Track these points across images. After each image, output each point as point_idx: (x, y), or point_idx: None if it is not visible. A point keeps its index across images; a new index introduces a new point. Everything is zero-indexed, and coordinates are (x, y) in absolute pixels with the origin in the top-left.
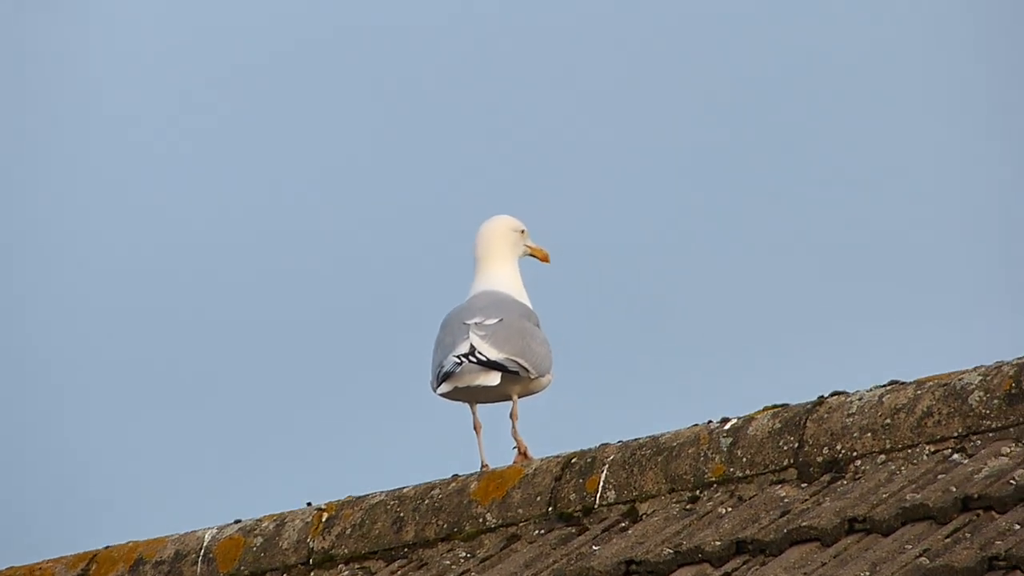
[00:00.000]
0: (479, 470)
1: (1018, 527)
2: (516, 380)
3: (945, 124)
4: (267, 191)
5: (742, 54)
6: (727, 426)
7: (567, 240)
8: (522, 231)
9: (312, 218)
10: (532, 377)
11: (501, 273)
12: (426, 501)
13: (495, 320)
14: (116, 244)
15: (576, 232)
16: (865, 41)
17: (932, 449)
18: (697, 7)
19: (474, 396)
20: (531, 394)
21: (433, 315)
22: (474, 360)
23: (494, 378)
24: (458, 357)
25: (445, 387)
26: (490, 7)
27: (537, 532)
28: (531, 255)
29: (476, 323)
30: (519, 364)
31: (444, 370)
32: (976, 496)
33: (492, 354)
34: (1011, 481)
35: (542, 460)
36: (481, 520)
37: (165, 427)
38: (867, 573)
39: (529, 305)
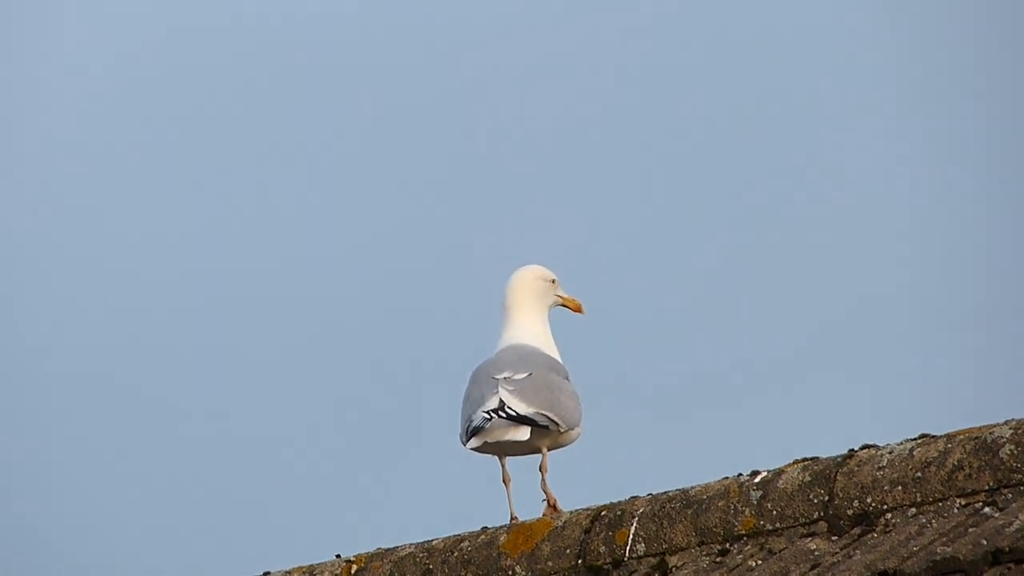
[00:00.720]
0: (508, 523)
1: None
2: (546, 434)
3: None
4: (277, 201)
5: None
6: (757, 479)
7: (593, 287)
8: (552, 280)
9: (332, 251)
10: (562, 431)
11: (530, 325)
12: (455, 553)
13: (524, 375)
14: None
15: (600, 278)
16: (863, 66)
17: (963, 502)
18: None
19: (503, 450)
20: (561, 447)
21: (461, 367)
22: (503, 415)
23: (523, 433)
24: (487, 412)
25: (474, 442)
26: (485, 22)
27: None
28: (563, 305)
29: (505, 377)
30: (548, 418)
31: (473, 424)
32: (1007, 549)
33: (521, 408)
34: None
35: (572, 513)
36: (510, 573)
37: (192, 479)
38: None
39: (558, 358)
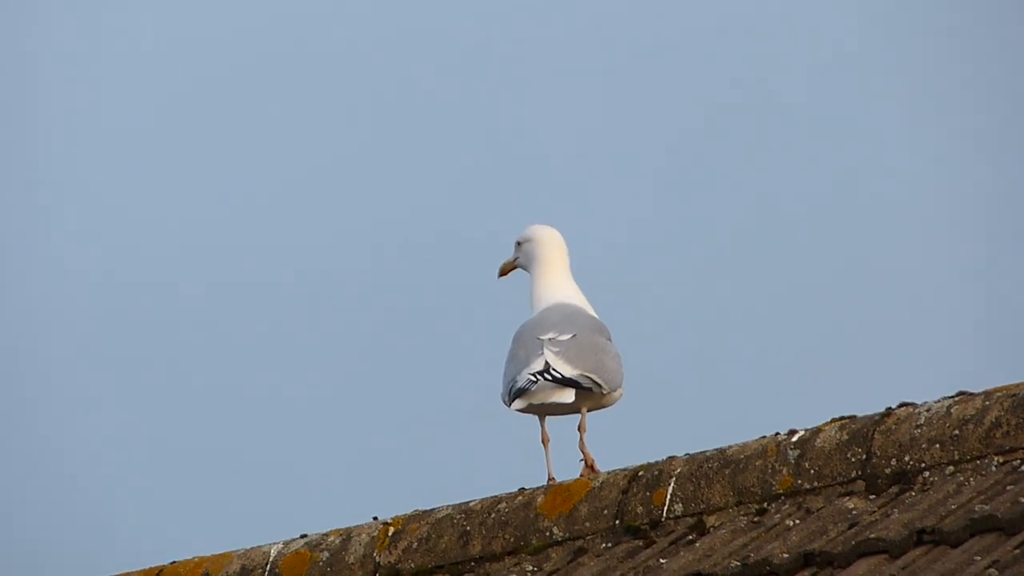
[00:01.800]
0: (546, 483)
1: None
2: (588, 395)
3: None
4: (280, 188)
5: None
6: (795, 438)
7: (625, 249)
8: None
9: (354, 223)
10: (605, 392)
11: (567, 283)
12: (492, 515)
13: (569, 336)
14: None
15: (633, 241)
16: (862, 59)
17: (1001, 460)
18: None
19: (545, 410)
20: (601, 408)
21: (501, 327)
22: (549, 377)
23: (568, 395)
24: (533, 375)
25: (519, 403)
26: (487, 12)
27: (604, 546)
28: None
29: (550, 338)
30: (593, 380)
31: (518, 386)
32: None
33: (567, 371)
34: None
35: (609, 473)
36: (548, 534)
37: (230, 442)
38: None
39: (597, 317)
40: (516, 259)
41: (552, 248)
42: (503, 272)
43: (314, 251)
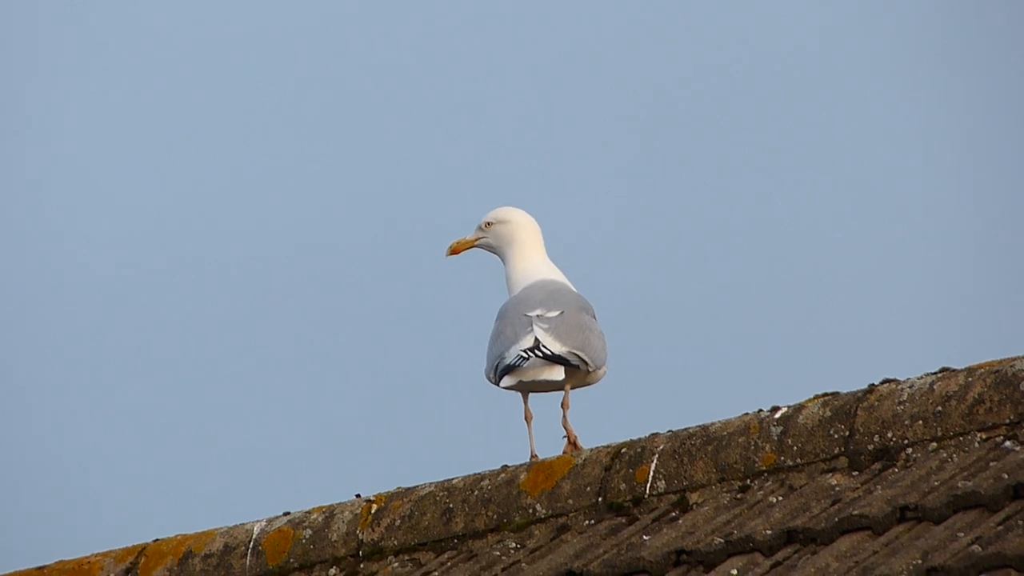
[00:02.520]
0: (529, 461)
1: None
2: (573, 373)
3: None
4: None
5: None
6: (777, 415)
7: (604, 228)
8: None
9: (350, 206)
10: (590, 370)
11: (545, 264)
12: (475, 492)
13: (556, 313)
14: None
15: (611, 220)
16: (849, 44)
17: (983, 436)
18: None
19: (531, 388)
20: (585, 386)
21: (480, 307)
22: (539, 354)
23: (559, 372)
24: (524, 351)
25: (509, 380)
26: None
27: (587, 523)
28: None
29: (538, 315)
30: (580, 358)
31: (506, 363)
32: None
33: (556, 348)
34: None
35: (592, 450)
36: (531, 511)
37: (212, 420)
38: (919, 561)
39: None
40: (479, 239)
41: (530, 230)
42: (455, 251)
43: (297, 230)
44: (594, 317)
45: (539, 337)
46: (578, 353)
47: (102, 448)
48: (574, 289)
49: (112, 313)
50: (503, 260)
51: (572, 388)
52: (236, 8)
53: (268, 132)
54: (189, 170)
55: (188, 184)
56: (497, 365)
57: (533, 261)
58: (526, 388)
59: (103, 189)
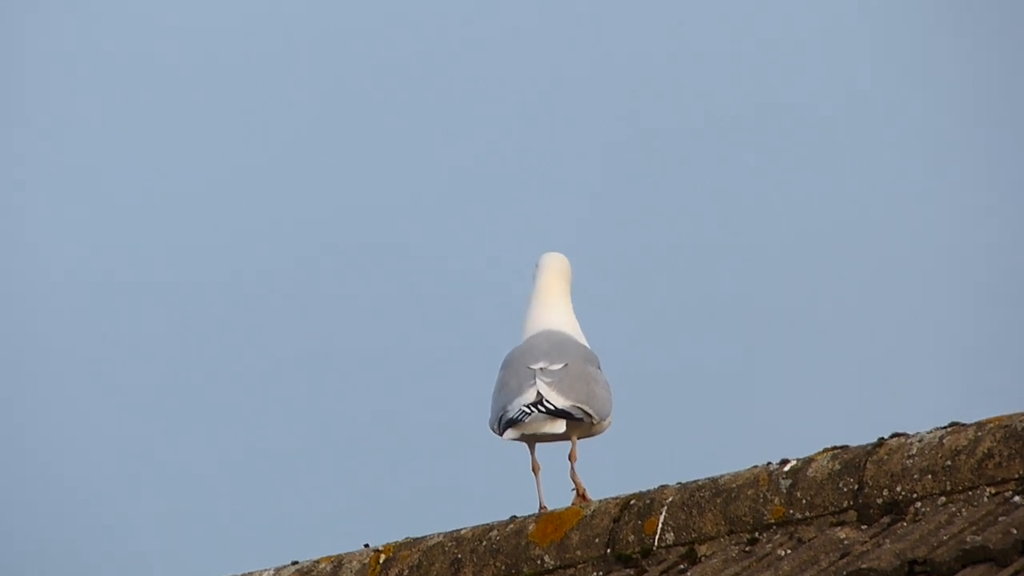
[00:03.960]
0: (537, 512)
1: None
2: (578, 425)
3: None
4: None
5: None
6: (787, 468)
7: (610, 269)
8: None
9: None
10: (595, 422)
11: (561, 310)
12: (484, 543)
13: (560, 365)
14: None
15: (613, 261)
16: (834, 77)
17: (993, 491)
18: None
19: (541, 439)
20: (590, 436)
21: (493, 356)
22: (542, 409)
23: (560, 426)
24: (527, 406)
25: (511, 433)
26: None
27: (595, 574)
28: None
29: (541, 368)
30: (584, 411)
31: (509, 416)
32: None
33: (559, 402)
34: None
35: (600, 502)
36: (539, 562)
37: (221, 466)
38: None
39: (588, 346)
40: None
41: (548, 273)
42: None
43: (307, 268)
44: (599, 368)
45: (542, 391)
46: (581, 407)
47: (107, 495)
48: (582, 339)
49: (107, 341)
50: None
51: (578, 439)
52: (193, 22)
53: (285, 140)
54: (186, 173)
55: (185, 187)
56: (501, 418)
57: (547, 306)
58: (530, 440)
59: (89, 189)
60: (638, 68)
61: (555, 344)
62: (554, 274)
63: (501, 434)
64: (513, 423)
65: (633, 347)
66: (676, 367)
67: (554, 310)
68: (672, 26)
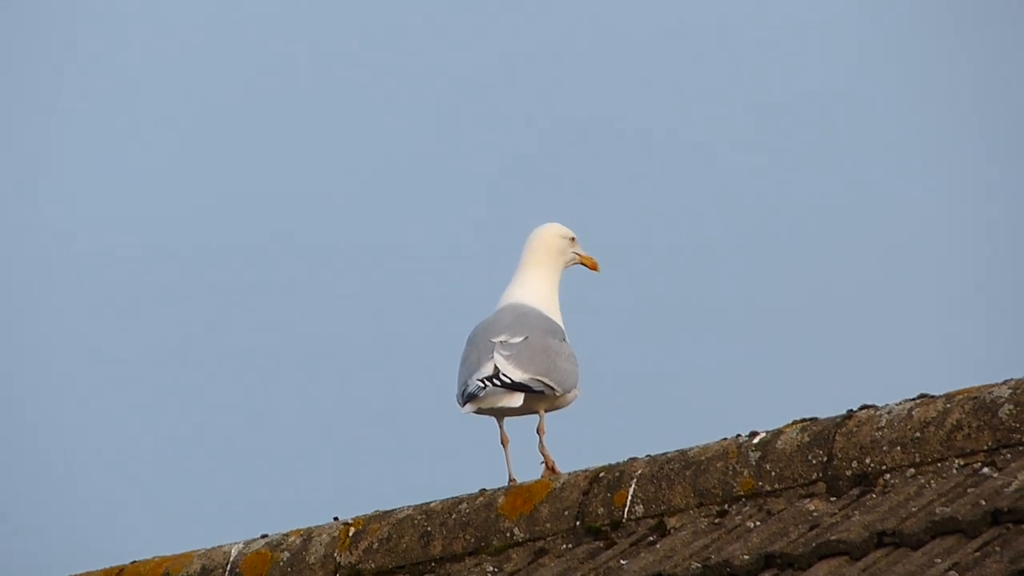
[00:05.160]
0: (507, 484)
1: None
2: (542, 397)
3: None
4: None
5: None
6: (756, 440)
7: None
8: (572, 238)
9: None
10: (558, 394)
11: (536, 284)
12: (453, 515)
13: (520, 338)
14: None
15: (606, 235)
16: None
17: (962, 463)
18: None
19: (501, 412)
20: (557, 409)
21: (461, 328)
22: (498, 383)
23: (517, 399)
24: (482, 380)
25: (469, 407)
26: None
27: (565, 547)
28: (580, 263)
29: (501, 341)
30: (544, 383)
31: (468, 390)
32: (1006, 510)
33: (516, 375)
34: None
35: (570, 474)
36: (509, 535)
37: (190, 441)
38: None
39: (558, 319)
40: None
41: (533, 248)
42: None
43: (285, 240)
44: (564, 340)
45: (499, 365)
46: (541, 379)
47: (79, 470)
48: (553, 313)
49: (80, 321)
50: None
51: (546, 412)
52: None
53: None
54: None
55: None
56: (464, 392)
57: (525, 281)
58: (494, 413)
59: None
60: (638, 68)
61: (517, 317)
62: (537, 248)
63: (463, 408)
64: (471, 397)
65: (603, 323)
66: (645, 337)
67: (526, 285)
68: (672, 26)
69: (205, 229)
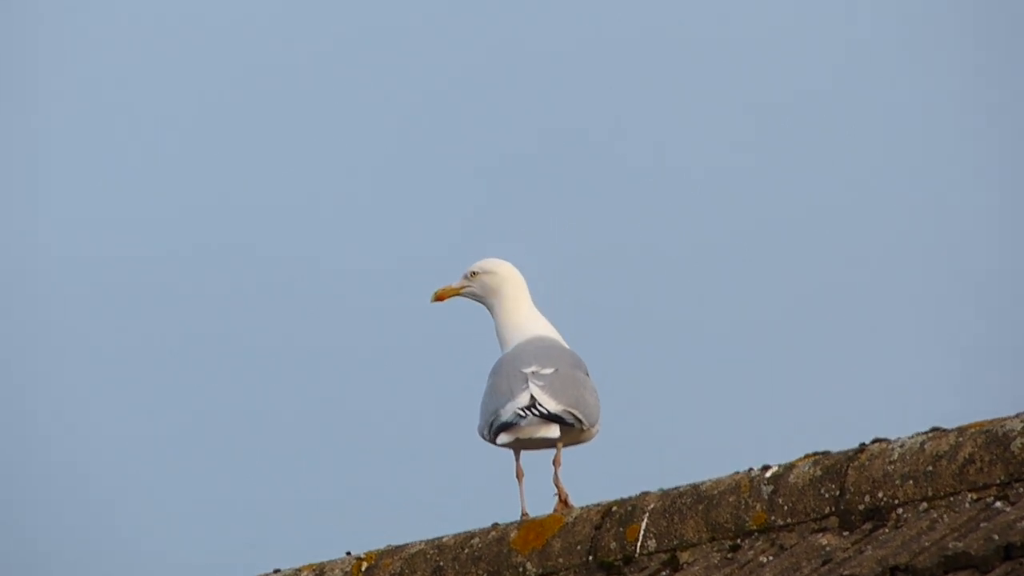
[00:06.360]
0: (519, 518)
1: None
2: (568, 431)
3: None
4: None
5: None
6: (768, 474)
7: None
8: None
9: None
10: (584, 428)
11: (537, 317)
12: (466, 550)
13: (551, 370)
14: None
15: (600, 274)
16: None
17: (974, 497)
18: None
19: (525, 445)
20: (578, 443)
21: (473, 361)
22: (536, 413)
23: (554, 430)
24: (521, 410)
25: (505, 437)
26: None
27: None
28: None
29: (533, 372)
30: (574, 416)
31: (502, 420)
32: (1019, 544)
33: (551, 406)
34: None
35: (582, 508)
36: (521, 569)
37: (204, 475)
38: None
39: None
40: (464, 288)
41: (515, 283)
42: (440, 298)
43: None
44: (587, 374)
45: (535, 395)
46: (572, 411)
47: (76, 466)
48: (566, 345)
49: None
50: (490, 311)
51: (564, 446)
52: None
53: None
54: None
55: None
56: (492, 422)
57: (523, 314)
58: (520, 446)
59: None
60: (637, 68)
61: (544, 350)
62: (519, 283)
63: (493, 439)
64: (507, 427)
65: (615, 352)
66: (659, 373)
67: (530, 317)
68: (671, 26)
69: (205, 229)
